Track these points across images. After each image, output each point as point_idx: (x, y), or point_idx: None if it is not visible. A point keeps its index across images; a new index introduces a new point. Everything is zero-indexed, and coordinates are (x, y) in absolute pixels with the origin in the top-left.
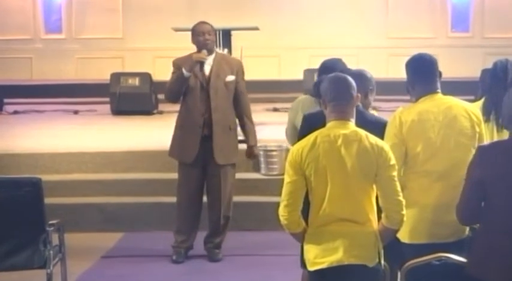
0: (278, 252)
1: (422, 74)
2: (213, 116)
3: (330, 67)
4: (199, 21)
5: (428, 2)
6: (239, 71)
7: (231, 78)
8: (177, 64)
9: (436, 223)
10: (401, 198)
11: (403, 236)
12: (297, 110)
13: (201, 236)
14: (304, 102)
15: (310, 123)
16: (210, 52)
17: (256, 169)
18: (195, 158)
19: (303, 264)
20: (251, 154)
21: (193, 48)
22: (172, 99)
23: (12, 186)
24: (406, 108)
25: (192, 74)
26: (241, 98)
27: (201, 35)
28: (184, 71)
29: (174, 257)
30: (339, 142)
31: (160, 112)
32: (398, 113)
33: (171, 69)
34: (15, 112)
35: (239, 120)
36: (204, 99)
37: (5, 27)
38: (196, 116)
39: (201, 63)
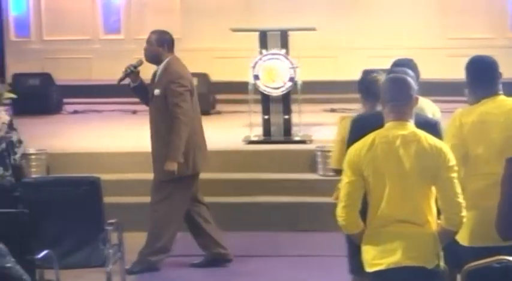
0: (335, 253)
1: (483, 77)
2: (150, 126)
3: (401, 67)
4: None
5: (486, 2)
6: (167, 83)
7: (157, 92)
8: None
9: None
10: (461, 200)
11: (463, 238)
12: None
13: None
14: None
15: (361, 126)
16: (155, 62)
17: (313, 169)
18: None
19: (352, 269)
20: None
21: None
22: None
23: (71, 185)
24: (466, 110)
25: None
26: (171, 109)
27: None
28: (130, 81)
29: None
30: (397, 142)
31: (218, 112)
32: (458, 114)
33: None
34: (75, 112)
35: None
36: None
37: (64, 28)
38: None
39: (133, 72)
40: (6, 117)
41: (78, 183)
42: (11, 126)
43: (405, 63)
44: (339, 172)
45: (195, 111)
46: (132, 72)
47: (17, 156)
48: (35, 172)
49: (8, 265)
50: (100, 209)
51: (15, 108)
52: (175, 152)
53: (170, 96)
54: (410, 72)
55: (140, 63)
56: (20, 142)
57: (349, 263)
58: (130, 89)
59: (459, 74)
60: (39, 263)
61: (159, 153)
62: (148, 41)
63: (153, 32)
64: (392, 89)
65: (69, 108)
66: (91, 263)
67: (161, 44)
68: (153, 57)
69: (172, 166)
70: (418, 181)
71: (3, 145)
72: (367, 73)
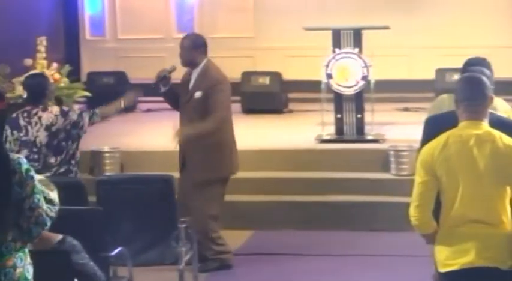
0: (408, 253)
1: None
2: (183, 129)
3: (474, 66)
4: (184, 35)
5: None
6: (209, 87)
7: (198, 94)
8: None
9: None
10: None
11: None
12: (438, 108)
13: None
14: (443, 102)
15: (433, 127)
16: (192, 66)
17: (386, 169)
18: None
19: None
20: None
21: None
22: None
23: (144, 183)
24: None
25: (183, 87)
26: (211, 113)
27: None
28: (161, 86)
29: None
30: (472, 142)
31: (290, 111)
32: None
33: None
34: (148, 110)
35: None
36: (185, 113)
37: (138, 27)
38: (179, 128)
39: (166, 77)
40: (56, 109)
41: (152, 181)
42: (64, 113)
43: (479, 63)
44: None
45: (230, 114)
46: (165, 77)
47: (85, 128)
48: (108, 170)
49: (83, 261)
50: (173, 207)
51: (89, 106)
52: (198, 132)
53: (212, 101)
54: (486, 71)
55: (174, 69)
56: (80, 115)
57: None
58: (161, 93)
59: None
60: (112, 260)
61: (198, 156)
62: (183, 46)
63: (187, 37)
64: (468, 88)
65: (142, 106)
66: (164, 261)
67: (197, 48)
68: (189, 62)
69: (188, 135)
70: (492, 181)
71: (62, 135)
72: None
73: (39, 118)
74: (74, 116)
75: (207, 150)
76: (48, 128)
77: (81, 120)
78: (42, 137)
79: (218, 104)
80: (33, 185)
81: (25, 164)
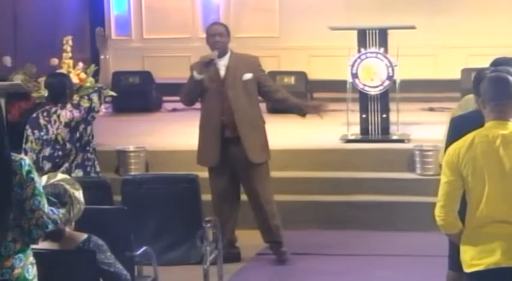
0: (433, 253)
1: None
2: (235, 117)
3: (502, 65)
4: (213, 23)
5: None
6: (256, 66)
7: (248, 76)
8: (191, 68)
9: None
10: None
11: None
12: (464, 108)
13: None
14: (469, 101)
15: (458, 126)
16: (222, 53)
17: (411, 169)
18: (219, 162)
19: (452, 266)
20: (318, 107)
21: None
22: (186, 102)
23: (170, 182)
24: None
25: (208, 76)
26: (270, 89)
27: (212, 36)
28: (195, 73)
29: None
30: (498, 142)
31: None
32: None
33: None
34: (174, 110)
35: (281, 105)
36: (221, 101)
37: (164, 26)
38: (214, 118)
39: (211, 63)
40: (68, 105)
41: (177, 180)
42: (76, 106)
43: (505, 62)
44: None
45: None
46: (210, 61)
47: (97, 108)
48: (134, 169)
49: (108, 261)
50: (198, 207)
51: (115, 105)
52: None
53: (265, 78)
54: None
55: (216, 56)
56: (89, 99)
57: (450, 259)
58: (196, 81)
59: None
60: (137, 259)
61: (255, 141)
62: (221, 33)
63: (219, 24)
64: (494, 88)
65: (168, 106)
66: (189, 260)
67: (229, 35)
68: (225, 48)
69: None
70: None
71: (82, 126)
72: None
73: (58, 116)
74: (85, 103)
75: (262, 130)
76: (67, 124)
77: (92, 103)
78: (64, 134)
79: (269, 77)
80: (34, 187)
81: (27, 166)
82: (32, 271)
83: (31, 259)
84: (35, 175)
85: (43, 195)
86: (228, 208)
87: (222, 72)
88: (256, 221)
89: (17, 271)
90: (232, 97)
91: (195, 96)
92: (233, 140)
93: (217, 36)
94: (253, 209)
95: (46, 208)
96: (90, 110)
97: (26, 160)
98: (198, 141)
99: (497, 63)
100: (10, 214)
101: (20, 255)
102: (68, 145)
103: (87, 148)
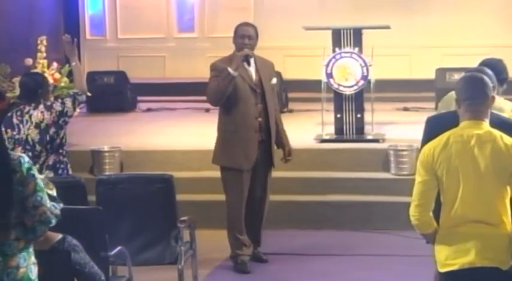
0: (408, 252)
1: None
2: (270, 119)
3: (489, 67)
4: (243, 23)
5: None
6: (274, 72)
7: (274, 81)
8: (219, 66)
9: None
10: None
11: None
12: (447, 106)
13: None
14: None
15: (434, 126)
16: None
17: (386, 168)
18: (253, 164)
19: None
20: (290, 155)
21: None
22: (218, 101)
23: (144, 182)
24: None
25: (239, 76)
26: (276, 101)
27: (241, 37)
28: (230, 70)
29: (242, 267)
30: (472, 142)
31: (291, 111)
32: None
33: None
34: (148, 110)
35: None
36: (256, 103)
37: (139, 26)
38: (251, 120)
39: (247, 60)
40: (40, 106)
41: (152, 180)
42: (48, 107)
43: (493, 63)
44: None
45: None
46: (248, 57)
47: (69, 113)
48: (108, 169)
49: (83, 261)
50: (173, 207)
51: (89, 106)
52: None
53: (277, 86)
54: (488, 71)
55: (252, 54)
56: (62, 103)
57: None
58: (231, 78)
59: None
60: (112, 259)
61: (273, 145)
62: (250, 36)
63: (251, 25)
64: (469, 87)
65: (143, 106)
66: (164, 260)
67: (257, 37)
68: (252, 51)
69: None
70: (493, 180)
71: (53, 129)
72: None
73: (30, 116)
74: (58, 107)
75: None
76: (38, 125)
77: (64, 107)
78: (33, 134)
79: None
80: (35, 183)
81: (26, 163)
82: (35, 271)
83: (33, 258)
84: (35, 171)
85: (44, 191)
86: (256, 210)
87: (253, 73)
88: (249, 220)
89: (22, 271)
90: (267, 100)
91: (226, 95)
92: (263, 143)
93: (247, 38)
94: (252, 209)
95: (48, 203)
96: (62, 114)
97: (25, 157)
98: (224, 143)
99: (485, 64)
100: (14, 211)
101: (24, 254)
102: (38, 146)
103: (60, 151)
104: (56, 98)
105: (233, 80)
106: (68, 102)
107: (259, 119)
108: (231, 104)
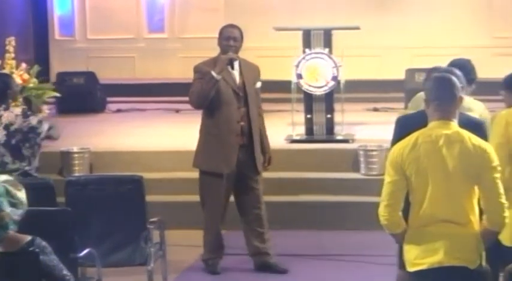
0: (377, 252)
1: None
2: (252, 124)
3: (458, 67)
4: (228, 24)
5: None
6: (259, 76)
7: (259, 84)
8: (203, 69)
9: None
10: (503, 200)
11: (506, 238)
12: (416, 106)
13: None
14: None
15: (403, 126)
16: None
17: (356, 168)
18: (234, 168)
19: (401, 265)
20: (270, 163)
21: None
22: (201, 104)
23: (114, 183)
24: None
25: (223, 79)
26: (259, 104)
27: (226, 39)
28: (214, 73)
29: (213, 269)
30: (441, 142)
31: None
32: (504, 113)
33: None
34: (118, 111)
35: None
36: (238, 106)
37: (108, 26)
38: (233, 124)
39: (231, 64)
40: (17, 109)
41: (121, 181)
42: (25, 115)
43: (462, 64)
44: None
45: None
46: (232, 60)
47: (42, 135)
48: (78, 171)
49: (52, 263)
50: (143, 208)
51: (59, 107)
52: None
53: (259, 90)
54: (457, 71)
55: (236, 57)
56: (39, 122)
57: (399, 259)
58: (215, 81)
59: (504, 73)
60: (81, 261)
61: (258, 149)
62: (235, 38)
63: (236, 27)
64: (437, 88)
65: (112, 107)
66: (133, 262)
67: (243, 39)
68: (237, 54)
69: None
70: (461, 180)
71: (19, 136)
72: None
73: (0, 117)
74: (33, 121)
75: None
76: (7, 126)
77: (39, 127)
78: (0, 136)
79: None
80: None
81: None
82: None
83: None
84: None
85: (5, 196)
86: (252, 218)
87: (237, 77)
88: (248, 231)
89: None
90: (250, 103)
91: (209, 98)
92: (245, 147)
93: (232, 40)
94: (253, 218)
95: (7, 208)
96: (33, 129)
97: None
98: (205, 146)
99: (453, 64)
100: None
101: None
102: (1, 148)
103: (28, 168)
104: (24, 99)
105: (216, 84)
106: (45, 126)
107: (242, 123)
108: (214, 107)
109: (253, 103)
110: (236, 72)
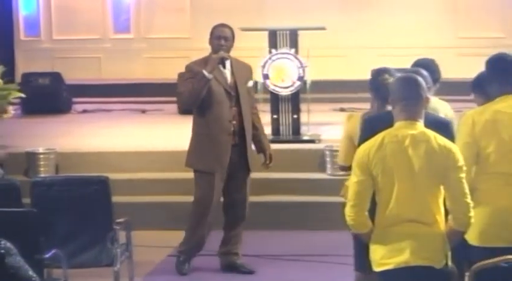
0: (344, 253)
1: (501, 74)
2: (244, 123)
3: (422, 67)
4: (220, 24)
5: (498, 0)
6: (251, 75)
7: (251, 83)
8: (194, 69)
9: (506, 226)
10: (469, 200)
11: (472, 238)
12: None
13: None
14: None
15: (369, 127)
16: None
17: (322, 169)
18: (226, 168)
19: (359, 266)
20: (271, 160)
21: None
22: (192, 104)
23: (80, 184)
24: (479, 108)
25: (214, 78)
26: (253, 103)
27: (217, 38)
28: (205, 72)
29: (181, 267)
30: (407, 142)
31: None
32: (471, 113)
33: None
34: (84, 111)
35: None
36: (230, 106)
37: (74, 27)
38: (225, 123)
39: (223, 63)
40: None
41: (87, 182)
42: None
43: (426, 63)
44: (346, 168)
45: None
46: (223, 59)
47: None
48: (43, 171)
49: (17, 264)
50: (109, 209)
51: (24, 107)
52: None
53: (252, 89)
54: (423, 72)
55: (228, 56)
56: None
57: (356, 260)
58: (206, 80)
59: (470, 73)
60: (47, 262)
61: (250, 149)
62: (227, 37)
63: (227, 26)
64: (403, 88)
65: (78, 107)
66: (100, 263)
67: (234, 39)
68: (228, 53)
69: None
70: (426, 180)
71: None
72: (378, 73)
73: None
74: None
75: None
76: None
77: None
78: None
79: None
80: None
81: None
82: None
83: None
84: None
85: None
86: (239, 214)
87: (228, 76)
88: (230, 225)
89: None
90: (242, 103)
91: (201, 97)
92: (237, 146)
93: (223, 39)
94: (235, 217)
95: None
96: None
97: None
98: (197, 145)
99: (418, 64)
100: None
101: None
102: None
103: None
104: None
105: (208, 83)
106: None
107: (233, 122)
108: (205, 106)
109: (245, 102)
110: (228, 72)
